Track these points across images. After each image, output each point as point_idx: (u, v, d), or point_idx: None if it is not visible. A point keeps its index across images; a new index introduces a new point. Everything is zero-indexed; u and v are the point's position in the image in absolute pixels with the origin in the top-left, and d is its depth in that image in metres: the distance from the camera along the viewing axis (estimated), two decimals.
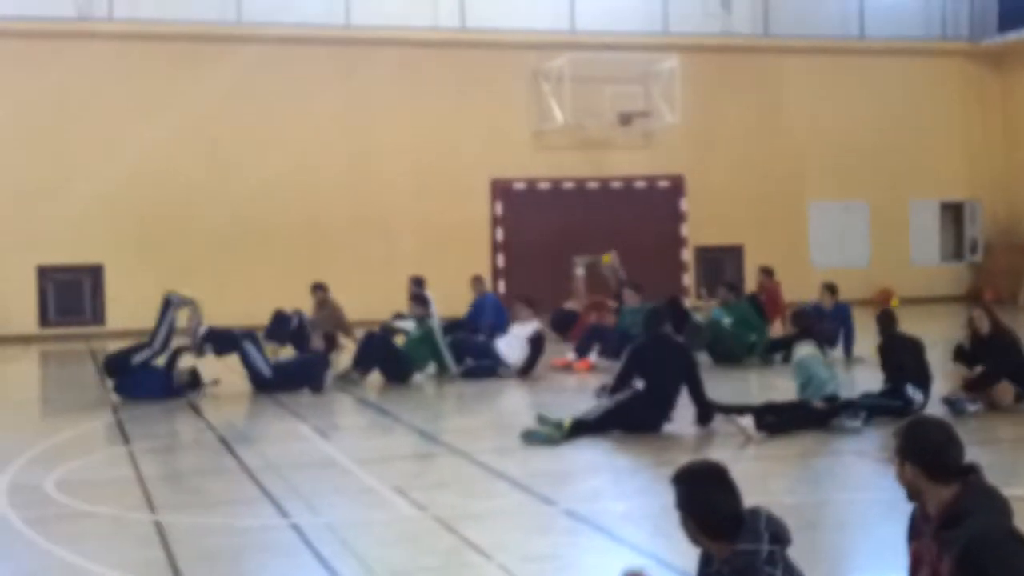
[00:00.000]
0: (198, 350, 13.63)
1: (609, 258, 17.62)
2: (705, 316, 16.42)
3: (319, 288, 17.15)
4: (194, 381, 13.39)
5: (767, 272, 18.45)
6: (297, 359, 14.65)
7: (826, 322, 15.66)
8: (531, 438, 10.15)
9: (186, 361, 13.57)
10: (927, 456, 4.15)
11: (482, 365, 14.71)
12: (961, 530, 3.97)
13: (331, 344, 14.44)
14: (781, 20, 25.30)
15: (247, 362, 13.62)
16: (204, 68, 22.06)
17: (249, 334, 14.02)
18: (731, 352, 15.54)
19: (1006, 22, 25.96)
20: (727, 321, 15.72)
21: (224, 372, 14.06)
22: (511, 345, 14.89)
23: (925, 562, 4.16)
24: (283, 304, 17.44)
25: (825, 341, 14.99)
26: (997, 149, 26.64)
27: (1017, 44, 25.74)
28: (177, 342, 13.61)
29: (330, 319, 16.72)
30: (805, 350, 10.79)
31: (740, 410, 10.48)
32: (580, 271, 17.55)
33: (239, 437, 11.17)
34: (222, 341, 13.73)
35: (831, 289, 16.29)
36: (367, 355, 14.35)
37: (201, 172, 21.96)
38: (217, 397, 13.35)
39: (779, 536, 4.46)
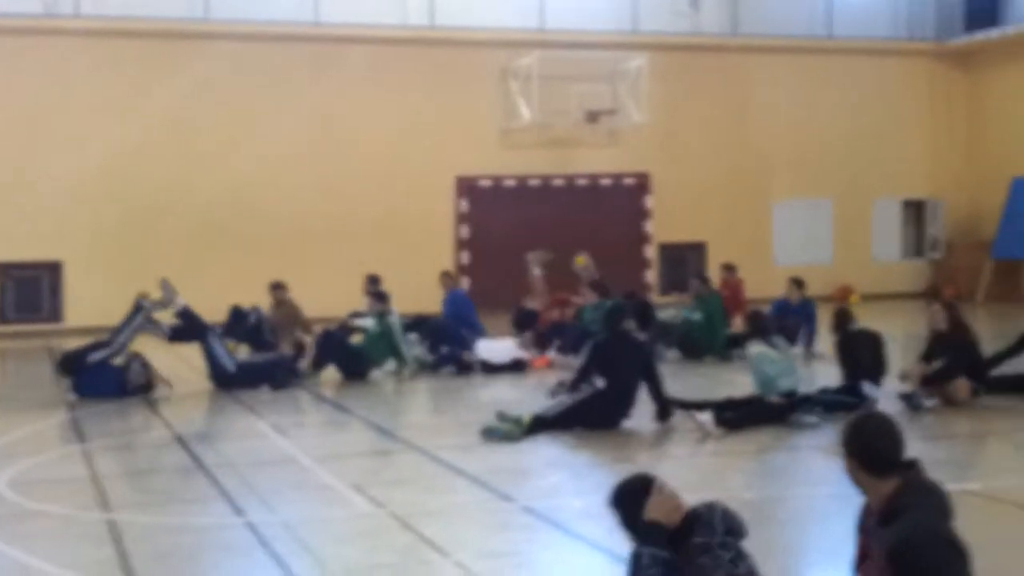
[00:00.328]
0: (159, 328, 13.50)
1: (583, 260, 17.59)
2: (675, 314, 16.38)
3: (278, 287, 17.07)
4: (150, 384, 13.25)
5: (729, 268, 18.51)
6: (266, 360, 14.57)
7: (789, 317, 15.75)
8: (490, 435, 10.15)
9: (143, 362, 13.40)
10: (863, 450, 4.17)
11: (454, 352, 14.79)
12: (894, 527, 3.98)
13: (300, 350, 14.39)
14: (749, 19, 25.36)
15: (211, 355, 13.53)
16: (170, 65, 21.90)
17: (212, 329, 13.96)
18: (701, 348, 15.57)
19: (972, 22, 26.11)
20: (697, 317, 15.74)
21: (183, 369, 13.97)
22: (493, 351, 14.89)
23: (872, 556, 4.17)
24: (247, 302, 17.36)
25: (785, 337, 15.12)
26: (960, 148, 26.83)
27: (983, 44, 25.93)
28: (139, 335, 13.53)
29: (288, 317, 16.65)
30: (755, 348, 10.89)
31: (699, 406, 10.53)
32: (537, 271, 17.42)
33: (196, 435, 11.10)
34: (192, 324, 13.62)
35: (798, 284, 16.31)
36: (324, 352, 14.34)
37: (165, 170, 21.80)
38: (170, 397, 13.14)
39: (734, 530, 4.55)
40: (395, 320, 14.79)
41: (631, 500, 4.69)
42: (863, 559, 4.27)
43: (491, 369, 14.62)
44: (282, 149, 22.39)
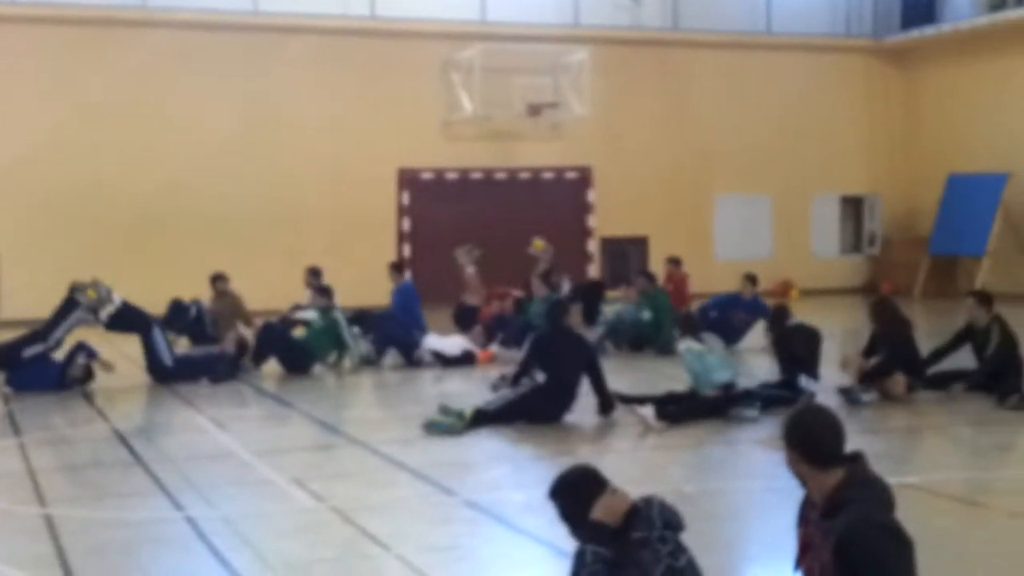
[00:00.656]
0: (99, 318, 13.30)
1: (541, 244, 17.54)
2: (621, 309, 16.40)
3: (219, 278, 16.90)
4: (87, 376, 13.07)
5: (674, 262, 18.57)
6: (205, 353, 14.40)
7: (739, 311, 15.87)
8: (432, 428, 10.14)
9: (88, 351, 13.21)
10: (805, 442, 4.21)
11: (398, 337, 14.74)
12: (839, 520, 4.03)
13: (243, 350, 14.26)
14: (689, 14, 25.49)
15: (151, 347, 13.35)
16: (108, 53, 21.59)
17: (157, 322, 13.79)
18: (648, 344, 15.62)
19: (908, 20, 26.46)
20: (647, 315, 15.78)
21: (121, 362, 13.79)
22: (442, 343, 14.84)
23: (814, 548, 4.22)
24: (186, 293, 17.17)
25: (734, 331, 15.30)
26: (897, 145, 27.17)
27: (919, 41, 26.27)
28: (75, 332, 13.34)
29: (230, 309, 16.49)
30: (683, 345, 11.03)
31: (641, 400, 10.59)
32: (471, 269, 17.32)
33: (134, 429, 10.97)
34: (133, 316, 13.43)
35: (752, 280, 16.37)
36: (265, 345, 14.22)
37: (102, 159, 21.50)
38: (107, 390, 12.98)
39: (672, 523, 4.58)
40: (339, 314, 14.69)
41: (573, 494, 4.70)
42: (805, 551, 4.32)
43: (445, 361, 14.59)
44: (221, 140, 22.16)
